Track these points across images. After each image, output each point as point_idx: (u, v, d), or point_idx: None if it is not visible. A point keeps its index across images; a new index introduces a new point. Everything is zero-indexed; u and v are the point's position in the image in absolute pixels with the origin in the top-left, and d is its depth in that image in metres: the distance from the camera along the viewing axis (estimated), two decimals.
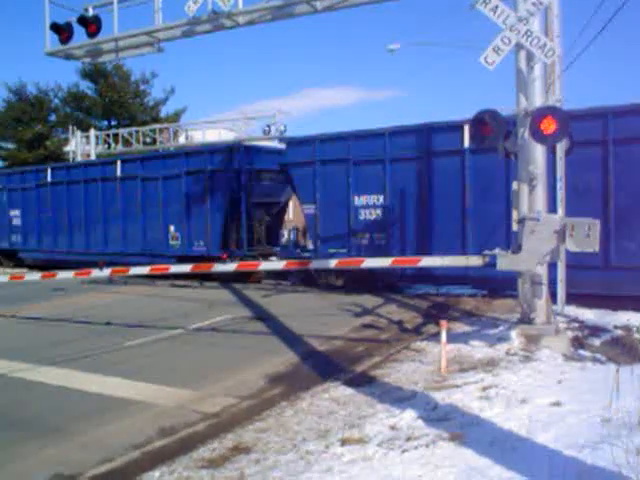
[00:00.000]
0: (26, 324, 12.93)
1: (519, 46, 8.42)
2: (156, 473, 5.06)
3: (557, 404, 6.02)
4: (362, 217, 15.71)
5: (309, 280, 16.72)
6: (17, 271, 22.43)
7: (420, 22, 76.30)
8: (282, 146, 19.28)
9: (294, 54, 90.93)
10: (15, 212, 25.31)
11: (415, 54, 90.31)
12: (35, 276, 13.71)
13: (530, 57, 8.54)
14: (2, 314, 13.92)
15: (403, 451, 5.07)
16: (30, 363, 9.19)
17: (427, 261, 10.31)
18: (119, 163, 21.75)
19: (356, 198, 15.71)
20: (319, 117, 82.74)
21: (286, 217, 22.61)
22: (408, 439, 5.36)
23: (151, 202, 20.29)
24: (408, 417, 5.91)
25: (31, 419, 6.86)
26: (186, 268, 10.86)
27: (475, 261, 9.11)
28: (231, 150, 19.16)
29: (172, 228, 19.72)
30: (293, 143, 17.69)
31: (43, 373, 8.69)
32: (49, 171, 24.35)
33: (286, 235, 19.55)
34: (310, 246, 17.86)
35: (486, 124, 8.50)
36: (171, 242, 19.75)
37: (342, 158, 15.85)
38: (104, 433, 6.29)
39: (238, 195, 18.70)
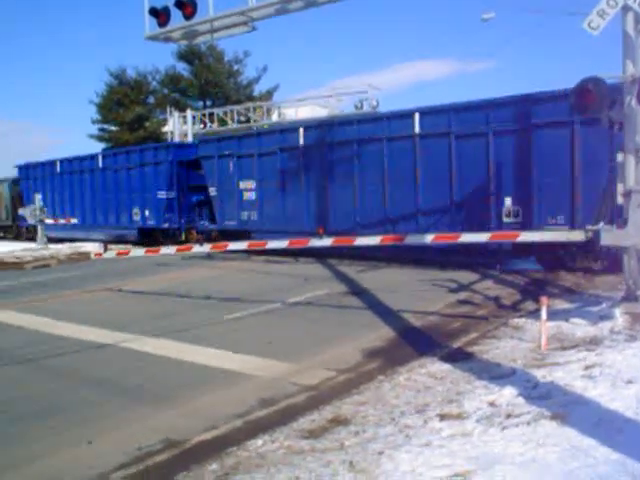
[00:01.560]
0: (131, 297, 13.62)
1: (626, 8, 7.96)
2: (259, 441, 5.24)
3: None
4: None
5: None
6: (122, 247, 23.56)
7: None
8: None
9: (386, 28, 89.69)
10: None
11: (511, 23, 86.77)
12: (139, 252, 14.39)
13: (638, 20, 8.06)
14: (109, 288, 14.72)
15: (503, 428, 5.00)
16: (136, 334, 9.68)
17: (526, 236, 10.04)
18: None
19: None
20: (411, 91, 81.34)
21: None
22: (508, 416, 5.28)
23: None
24: (508, 394, 5.82)
25: (139, 387, 7.25)
26: (283, 244, 11.07)
27: (577, 236, 8.80)
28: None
29: None
30: None
31: (148, 344, 9.14)
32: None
33: None
34: None
35: (589, 92, 8.13)
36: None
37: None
38: (208, 402, 6.56)
39: None
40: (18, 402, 6.84)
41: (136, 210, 25.33)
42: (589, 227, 8.48)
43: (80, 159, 28.73)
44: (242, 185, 20.59)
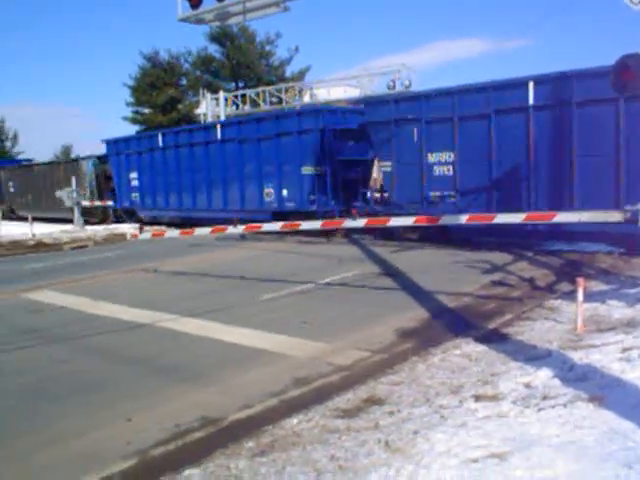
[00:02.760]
0: (166, 278, 13.80)
1: None
2: (294, 420, 5.30)
3: None
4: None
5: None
6: (157, 228, 23.85)
7: None
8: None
9: (419, 6, 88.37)
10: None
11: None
12: (174, 233, 14.55)
13: None
14: (145, 268, 14.94)
15: (539, 410, 4.98)
16: (172, 314, 9.82)
17: (562, 217, 9.87)
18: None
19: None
20: (446, 70, 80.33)
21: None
22: (544, 398, 5.26)
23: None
24: (543, 376, 5.78)
25: (176, 365, 7.37)
26: (316, 224, 11.09)
27: (615, 217, 8.63)
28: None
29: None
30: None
31: (184, 323, 9.28)
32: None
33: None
34: None
35: (629, 69, 7.92)
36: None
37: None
38: (243, 381, 6.65)
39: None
40: (58, 379, 7.01)
41: (269, 190, 21.23)
42: (628, 207, 8.31)
43: (190, 130, 25.29)
44: (432, 158, 16.49)
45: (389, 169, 17.43)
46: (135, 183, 27.05)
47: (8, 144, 64.90)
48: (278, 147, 20.76)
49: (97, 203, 29.90)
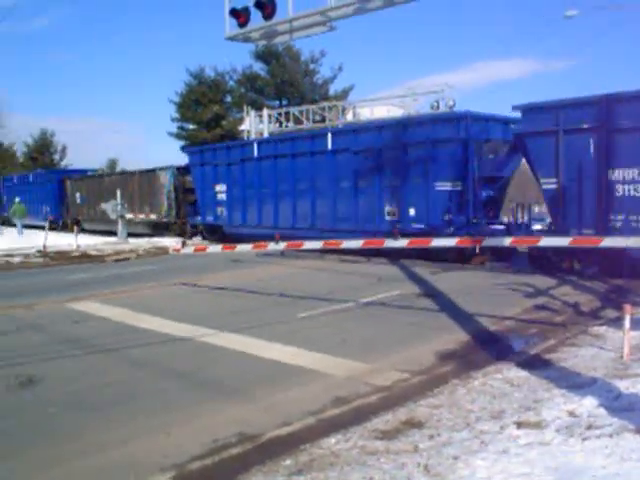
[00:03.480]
0: (207, 292, 13.92)
1: None
2: (332, 440, 5.26)
3: None
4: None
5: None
6: (199, 242, 24.13)
7: None
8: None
9: (464, 27, 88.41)
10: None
11: (595, 20, 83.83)
12: (216, 248, 14.71)
13: None
14: (185, 283, 15.11)
15: (584, 439, 4.85)
16: (212, 329, 9.89)
17: (609, 241, 9.69)
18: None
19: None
20: (489, 90, 79.87)
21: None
22: (589, 427, 5.12)
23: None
24: (588, 404, 5.64)
25: (215, 380, 7.41)
26: (357, 244, 11.07)
27: None
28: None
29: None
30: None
31: (224, 338, 9.33)
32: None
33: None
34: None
35: None
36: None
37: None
38: (281, 398, 6.64)
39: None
40: (99, 389, 7.10)
41: (391, 208, 18.78)
42: None
43: (292, 139, 22.82)
44: (617, 175, 13.65)
45: (552, 186, 14.73)
46: (222, 197, 25.20)
47: (56, 157, 66.75)
48: (404, 158, 18.43)
49: (172, 217, 28.50)
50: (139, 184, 31.16)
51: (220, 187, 25.17)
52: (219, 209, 25.43)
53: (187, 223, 28.25)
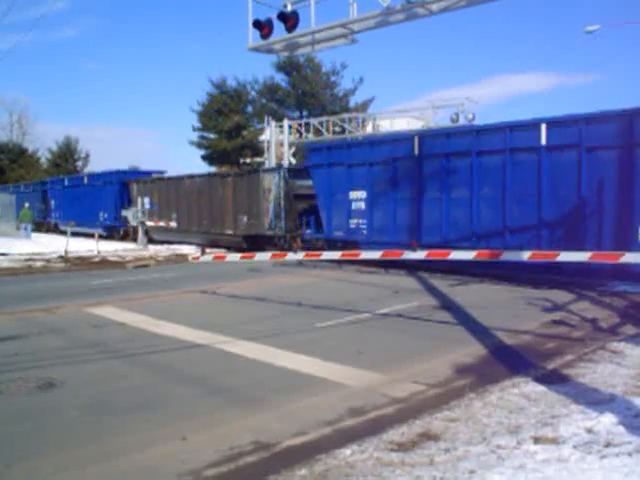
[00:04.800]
0: (225, 300, 13.99)
1: None
2: (348, 451, 5.25)
3: None
4: None
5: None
6: (217, 251, 24.23)
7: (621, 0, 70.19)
8: None
9: (484, 41, 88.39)
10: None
11: (616, 35, 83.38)
12: (234, 257, 14.78)
13: None
14: (204, 290, 15.20)
15: (602, 457, 4.80)
16: (230, 336, 9.94)
17: (629, 257, 9.60)
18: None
19: None
20: (510, 104, 79.69)
21: None
22: (607, 445, 5.07)
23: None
24: (607, 421, 5.59)
25: (232, 388, 7.43)
26: (376, 255, 11.08)
27: None
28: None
29: None
30: None
31: (241, 346, 9.36)
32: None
33: None
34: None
35: None
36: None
37: None
38: (298, 407, 6.65)
39: None
40: (117, 395, 7.16)
41: None
42: None
43: (477, 131, 17.57)
44: None
45: None
46: (359, 206, 20.15)
47: (79, 164, 67.59)
48: None
49: (279, 229, 23.91)
50: (233, 189, 26.35)
51: (357, 194, 20.24)
52: (354, 221, 20.37)
53: (299, 237, 23.35)
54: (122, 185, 34.73)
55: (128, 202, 33.55)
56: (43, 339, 10.07)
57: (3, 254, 24.00)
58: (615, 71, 79.36)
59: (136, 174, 36.65)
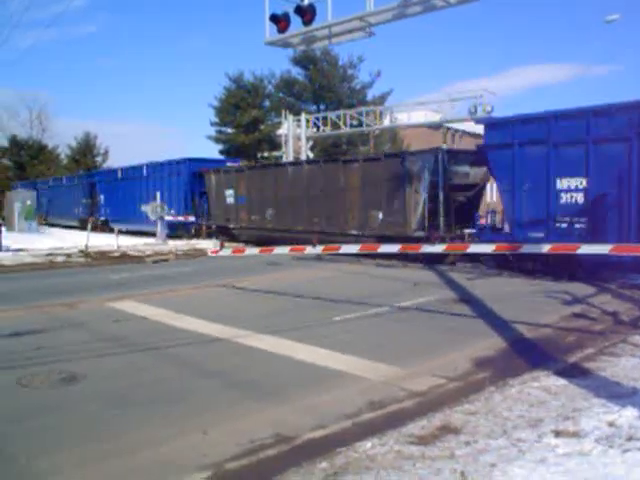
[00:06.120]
0: (243, 294, 14.05)
1: None
2: (368, 444, 5.27)
3: None
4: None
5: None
6: (236, 245, 24.30)
7: None
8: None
9: (501, 33, 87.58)
10: None
11: (636, 24, 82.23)
12: (254, 250, 14.84)
13: None
14: (223, 284, 15.27)
15: (624, 451, 4.77)
16: (249, 330, 9.98)
17: None
18: None
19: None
20: (529, 96, 78.95)
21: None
22: (629, 439, 5.04)
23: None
24: (629, 415, 5.55)
25: (251, 381, 7.46)
26: (394, 248, 11.06)
27: None
28: None
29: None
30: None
31: (261, 340, 9.40)
32: None
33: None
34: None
35: None
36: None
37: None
38: (317, 401, 6.67)
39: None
40: (138, 388, 7.23)
41: None
42: None
43: None
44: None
45: None
46: (574, 199, 15.32)
47: (99, 159, 68.09)
48: None
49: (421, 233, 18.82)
50: (361, 177, 21.24)
51: (570, 182, 15.33)
52: (563, 219, 15.56)
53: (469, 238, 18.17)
54: (193, 176, 30.23)
55: (200, 196, 29.97)
56: (65, 333, 10.18)
57: (22, 249, 24.26)
58: (632, 62, 78.23)
59: (208, 163, 31.44)
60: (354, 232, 21.26)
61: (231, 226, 27.67)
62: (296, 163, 25.97)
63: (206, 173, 29.53)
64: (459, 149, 20.26)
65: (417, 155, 20.08)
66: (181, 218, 29.95)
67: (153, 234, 29.01)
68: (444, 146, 19.98)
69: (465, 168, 19.25)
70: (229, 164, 31.26)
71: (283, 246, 14.09)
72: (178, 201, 30.90)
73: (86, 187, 42.15)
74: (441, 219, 18.70)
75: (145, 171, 34.46)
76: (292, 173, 24.80)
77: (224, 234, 27.71)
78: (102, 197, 39.43)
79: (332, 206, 22.42)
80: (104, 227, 36.64)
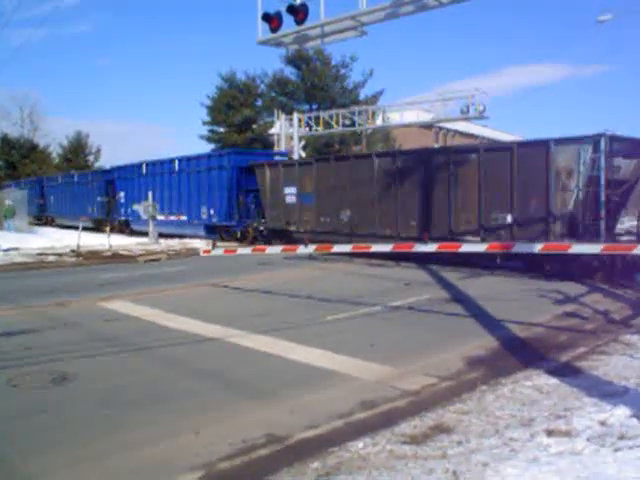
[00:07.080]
0: (236, 294, 14.02)
1: None
2: (360, 443, 5.26)
3: None
4: None
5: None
6: (227, 244, 24.23)
7: None
8: None
9: (494, 32, 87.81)
10: None
11: (629, 24, 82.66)
12: (245, 250, 14.81)
13: None
14: (215, 284, 15.24)
15: (616, 450, 4.78)
16: (241, 330, 9.96)
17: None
18: None
19: None
20: (521, 96, 79.20)
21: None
22: (621, 437, 5.05)
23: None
24: (620, 414, 5.56)
25: (243, 381, 7.45)
26: (387, 248, 11.06)
27: None
28: None
29: None
30: None
31: (253, 340, 9.38)
32: None
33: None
34: None
35: None
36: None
37: None
38: (309, 400, 6.66)
39: None
40: (130, 388, 7.20)
41: None
42: None
43: None
44: None
45: None
46: None
47: (91, 158, 67.84)
48: None
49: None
50: (482, 171, 17.12)
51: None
52: None
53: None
54: (239, 171, 26.55)
55: (246, 194, 26.44)
56: (56, 333, 10.13)
57: (15, 248, 24.14)
58: (625, 62, 78.66)
59: (254, 156, 28.31)
60: (469, 238, 17.22)
61: (292, 229, 23.31)
62: (386, 154, 21.76)
63: (259, 167, 25.15)
64: (623, 136, 15.51)
65: (565, 143, 15.48)
66: (215, 220, 26.96)
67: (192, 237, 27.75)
68: (607, 132, 14.94)
69: (619, 160, 15.66)
70: (277, 157, 28.24)
71: (275, 246, 14.04)
72: (220, 199, 27.12)
73: (102, 184, 37.94)
74: (599, 226, 14.84)
75: (177, 165, 30.16)
76: (380, 166, 20.11)
77: (281, 238, 23.46)
78: (122, 194, 35.00)
79: (435, 206, 18.39)
80: (123, 228, 34.12)
